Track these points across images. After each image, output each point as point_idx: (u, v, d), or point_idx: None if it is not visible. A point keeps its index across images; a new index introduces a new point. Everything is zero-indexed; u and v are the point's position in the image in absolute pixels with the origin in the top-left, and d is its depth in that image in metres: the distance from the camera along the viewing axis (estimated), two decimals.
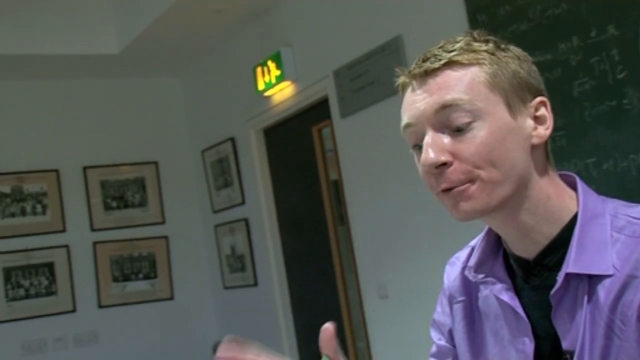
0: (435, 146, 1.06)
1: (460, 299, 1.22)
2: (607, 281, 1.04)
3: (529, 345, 1.10)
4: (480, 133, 1.06)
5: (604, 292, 1.04)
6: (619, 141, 2.64)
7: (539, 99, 1.11)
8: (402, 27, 3.56)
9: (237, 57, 4.86)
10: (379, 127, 3.73)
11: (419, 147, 1.10)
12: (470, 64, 1.08)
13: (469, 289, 1.22)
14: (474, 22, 3.14)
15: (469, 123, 1.06)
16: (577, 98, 2.76)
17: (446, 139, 1.07)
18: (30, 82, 5.05)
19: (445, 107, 1.06)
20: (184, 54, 5.03)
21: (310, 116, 4.40)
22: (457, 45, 1.09)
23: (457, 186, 1.06)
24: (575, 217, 1.09)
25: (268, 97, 4.59)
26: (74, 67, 4.95)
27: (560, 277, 1.06)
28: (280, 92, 4.49)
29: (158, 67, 5.23)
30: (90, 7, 4.69)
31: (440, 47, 1.10)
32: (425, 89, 1.08)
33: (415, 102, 1.09)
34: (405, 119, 1.11)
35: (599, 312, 1.04)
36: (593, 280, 1.05)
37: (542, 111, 1.11)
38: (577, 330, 1.05)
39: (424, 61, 1.10)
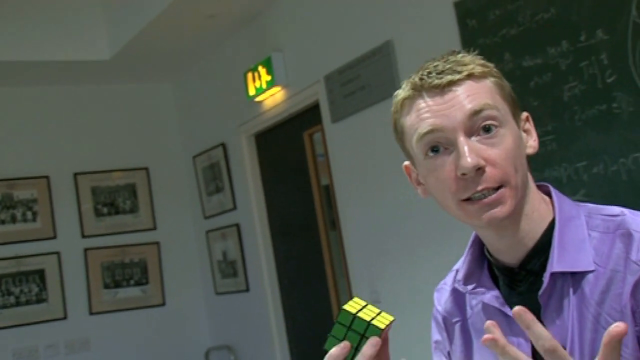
0: (472, 151, 1.10)
1: (455, 320, 1.28)
2: (590, 276, 1.10)
3: (524, 345, 1.13)
4: (506, 139, 1.12)
5: (589, 286, 1.10)
6: (609, 145, 2.66)
7: (525, 113, 1.19)
8: (392, 32, 3.57)
9: (227, 62, 4.86)
10: (370, 131, 3.73)
11: (436, 150, 1.12)
12: (483, 77, 1.14)
13: (461, 309, 1.27)
14: (464, 26, 3.14)
15: (497, 130, 1.11)
16: (567, 102, 2.77)
17: (478, 145, 1.11)
18: (21, 89, 5.03)
19: (478, 113, 1.11)
20: (175, 59, 5.03)
21: (301, 121, 4.40)
22: (469, 59, 1.15)
23: (493, 189, 1.10)
24: (553, 222, 1.16)
25: (259, 102, 4.59)
26: (65, 73, 4.94)
27: (546, 278, 1.12)
28: (271, 97, 4.49)
29: (149, 72, 5.22)
30: (81, 13, 4.68)
31: (450, 61, 1.14)
32: (449, 97, 1.12)
33: (440, 110, 1.12)
34: (427, 127, 1.12)
35: (586, 306, 1.09)
36: (576, 277, 1.11)
37: (528, 125, 1.19)
38: (565, 328, 1.10)
39: (438, 74, 1.13)
